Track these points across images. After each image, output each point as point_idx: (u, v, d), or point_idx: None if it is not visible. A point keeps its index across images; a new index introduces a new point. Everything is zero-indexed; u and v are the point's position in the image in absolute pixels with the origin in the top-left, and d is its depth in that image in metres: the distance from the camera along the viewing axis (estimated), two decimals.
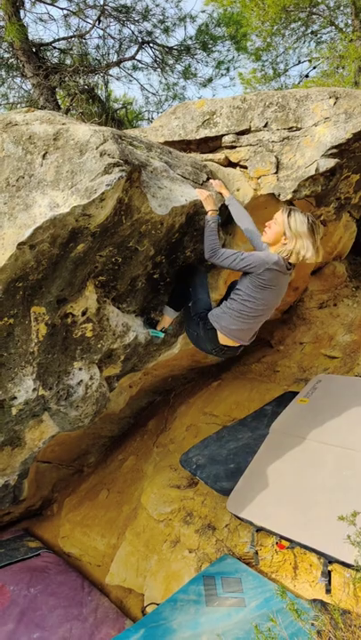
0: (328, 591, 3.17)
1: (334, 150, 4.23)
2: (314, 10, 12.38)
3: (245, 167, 4.46)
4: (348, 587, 3.16)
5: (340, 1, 12.55)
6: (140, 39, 9.67)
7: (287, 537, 3.43)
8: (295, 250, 3.25)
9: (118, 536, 4.83)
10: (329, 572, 3.18)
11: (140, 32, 9.65)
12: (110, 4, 9.11)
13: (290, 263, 3.35)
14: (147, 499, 4.71)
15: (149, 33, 9.69)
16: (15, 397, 3.18)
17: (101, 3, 8.97)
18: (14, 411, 3.28)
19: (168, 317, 3.94)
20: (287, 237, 3.27)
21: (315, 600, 3.13)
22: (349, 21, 12.71)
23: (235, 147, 4.56)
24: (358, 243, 6.91)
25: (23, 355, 3.07)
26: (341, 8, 12.70)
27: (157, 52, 9.93)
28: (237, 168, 4.52)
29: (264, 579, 3.48)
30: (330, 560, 3.16)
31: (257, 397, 5.42)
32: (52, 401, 3.46)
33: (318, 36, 13.26)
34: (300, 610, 2.45)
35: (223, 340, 3.52)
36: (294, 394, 4.82)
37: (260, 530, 3.66)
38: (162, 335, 3.99)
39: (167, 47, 9.88)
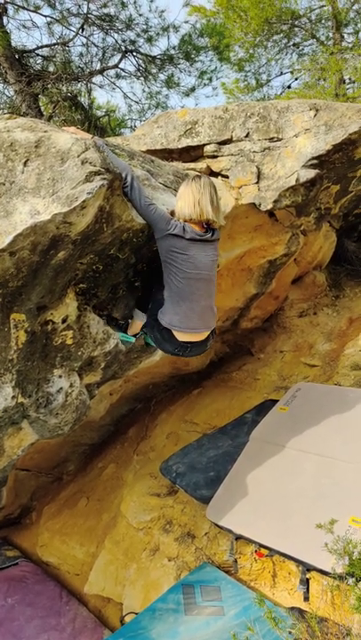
0: (306, 599, 3.19)
1: (315, 161, 4.29)
2: (296, 23, 12.54)
3: (227, 177, 4.50)
4: (326, 594, 3.18)
5: (321, 14, 12.74)
6: (123, 48, 9.69)
7: (266, 545, 3.45)
8: (178, 211, 3.16)
9: (97, 544, 4.80)
10: (307, 580, 3.19)
11: (124, 41, 9.67)
12: (94, 13, 9.13)
13: (207, 232, 3.19)
14: (126, 507, 4.69)
15: (133, 42, 9.71)
16: None
17: (85, 11, 8.98)
18: None
19: (138, 321, 3.74)
20: (176, 205, 3.20)
21: (293, 608, 3.14)
22: (330, 34, 12.91)
23: (216, 156, 4.59)
24: (338, 252, 6.99)
25: (2, 362, 3.05)
26: (323, 21, 12.89)
27: (141, 61, 9.95)
28: (219, 177, 4.56)
29: (243, 587, 3.49)
30: (308, 568, 3.18)
31: (237, 405, 5.44)
32: (32, 408, 3.44)
33: (300, 48, 13.43)
34: (277, 618, 2.46)
35: (181, 336, 3.30)
36: (274, 402, 4.84)
37: (239, 538, 3.67)
38: (133, 340, 3.84)
39: (150, 56, 9.90)
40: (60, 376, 3.54)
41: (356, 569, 2.57)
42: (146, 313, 3.66)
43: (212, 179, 4.34)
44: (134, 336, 3.83)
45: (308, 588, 3.18)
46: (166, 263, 3.14)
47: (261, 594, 3.38)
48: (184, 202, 3.14)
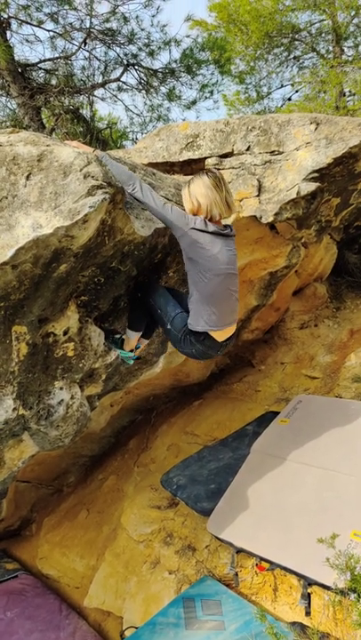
0: (308, 614, 3.16)
1: (315, 174, 4.31)
2: (296, 36, 12.68)
3: None
4: (328, 609, 3.16)
5: (321, 28, 12.88)
6: (125, 61, 9.77)
7: (267, 558, 3.42)
8: (201, 210, 3.07)
9: (98, 557, 4.78)
10: (309, 595, 3.17)
11: (126, 54, 9.75)
12: (96, 28, 9.22)
13: (225, 227, 3.16)
14: (127, 519, 4.67)
15: (135, 55, 9.79)
16: None
17: (87, 26, 9.07)
18: None
19: (132, 340, 3.69)
20: (193, 204, 3.11)
21: (294, 623, 3.12)
22: (330, 48, 13.04)
23: (218, 169, 4.62)
24: (339, 264, 7.01)
25: (3, 374, 3.05)
26: (323, 35, 13.02)
27: (142, 75, 10.03)
28: None
29: (244, 601, 3.47)
30: (310, 582, 3.15)
31: (238, 417, 5.43)
32: (33, 420, 3.44)
33: (301, 61, 13.56)
34: (279, 633, 2.44)
35: (220, 335, 3.22)
36: (275, 414, 4.84)
37: (240, 551, 3.65)
38: (131, 357, 3.81)
39: (152, 70, 9.98)
40: (61, 388, 3.54)
41: (359, 585, 2.56)
42: (134, 330, 3.61)
43: None
44: (131, 351, 3.78)
45: (309, 603, 3.16)
46: (192, 261, 3.06)
47: (262, 608, 3.36)
48: (208, 200, 3.05)
